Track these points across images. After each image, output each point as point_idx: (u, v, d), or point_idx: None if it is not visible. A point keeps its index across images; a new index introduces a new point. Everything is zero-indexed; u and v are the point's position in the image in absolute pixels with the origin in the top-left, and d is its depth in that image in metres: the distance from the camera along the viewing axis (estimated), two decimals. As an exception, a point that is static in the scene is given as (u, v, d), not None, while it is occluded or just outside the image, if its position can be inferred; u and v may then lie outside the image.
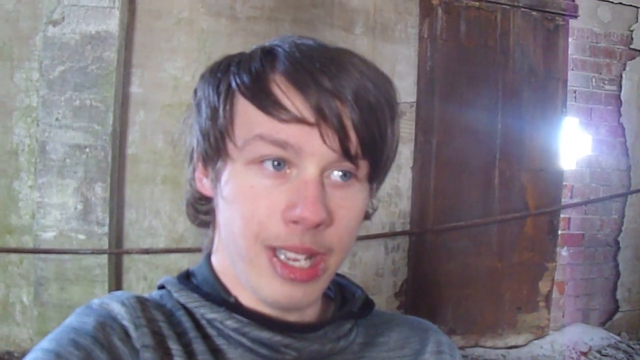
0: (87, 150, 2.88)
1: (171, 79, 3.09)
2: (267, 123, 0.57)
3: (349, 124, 0.56)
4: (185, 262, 2.96)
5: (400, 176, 3.47)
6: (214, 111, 0.60)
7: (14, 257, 2.97)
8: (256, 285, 0.60)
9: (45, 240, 2.87)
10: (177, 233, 3.09)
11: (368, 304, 0.74)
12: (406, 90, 3.47)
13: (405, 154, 3.46)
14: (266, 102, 0.56)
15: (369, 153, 0.58)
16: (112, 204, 2.95)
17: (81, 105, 2.87)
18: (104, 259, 2.91)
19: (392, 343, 0.73)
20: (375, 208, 0.70)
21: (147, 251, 3.07)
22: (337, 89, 0.56)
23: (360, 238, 3.26)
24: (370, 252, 3.41)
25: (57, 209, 2.87)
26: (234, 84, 0.59)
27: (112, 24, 2.89)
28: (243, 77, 0.59)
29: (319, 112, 0.55)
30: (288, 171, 0.58)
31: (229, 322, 0.61)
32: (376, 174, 0.62)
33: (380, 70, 0.62)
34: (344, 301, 0.73)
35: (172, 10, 3.12)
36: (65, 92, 2.86)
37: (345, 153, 0.57)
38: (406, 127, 3.45)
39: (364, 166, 0.59)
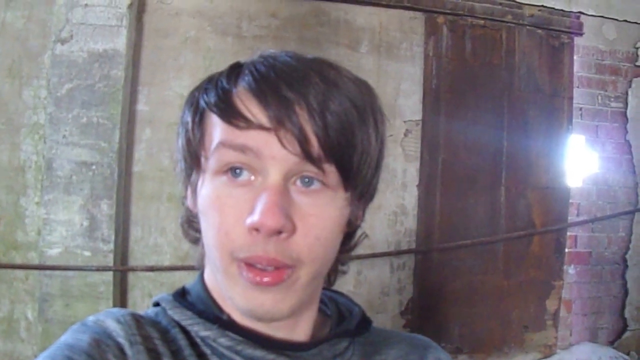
0: (94, 167, 2.89)
1: (177, 97, 3.10)
2: (228, 131, 0.58)
3: (308, 128, 0.57)
4: (190, 280, 2.93)
5: (406, 194, 3.46)
6: (186, 128, 0.64)
7: (19, 273, 2.98)
8: (231, 295, 0.60)
9: (51, 256, 2.87)
10: (182, 251, 3.08)
11: (365, 322, 0.73)
12: (411, 108, 3.47)
13: (411, 172, 3.45)
14: (228, 113, 0.58)
15: (333, 156, 0.58)
16: (118, 221, 2.96)
17: (88, 122, 2.89)
18: (109, 276, 2.90)
19: (390, 361, 0.72)
20: (360, 217, 0.69)
21: (152, 269, 3.07)
22: (296, 97, 0.57)
23: (366, 256, 3.24)
24: (375, 270, 3.39)
25: (63, 225, 2.87)
26: (202, 102, 0.63)
27: (120, 43, 2.92)
28: (211, 94, 0.61)
29: (277, 118, 0.56)
30: (253, 179, 0.59)
31: (222, 340, 0.61)
32: (350, 181, 0.61)
33: (356, 79, 0.62)
34: (341, 318, 0.72)
35: (179, 29, 3.15)
36: (72, 110, 2.88)
37: (307, 156, 0.57)
38: (412, 145, 3.45)
39: (331, 171, 0.59)
